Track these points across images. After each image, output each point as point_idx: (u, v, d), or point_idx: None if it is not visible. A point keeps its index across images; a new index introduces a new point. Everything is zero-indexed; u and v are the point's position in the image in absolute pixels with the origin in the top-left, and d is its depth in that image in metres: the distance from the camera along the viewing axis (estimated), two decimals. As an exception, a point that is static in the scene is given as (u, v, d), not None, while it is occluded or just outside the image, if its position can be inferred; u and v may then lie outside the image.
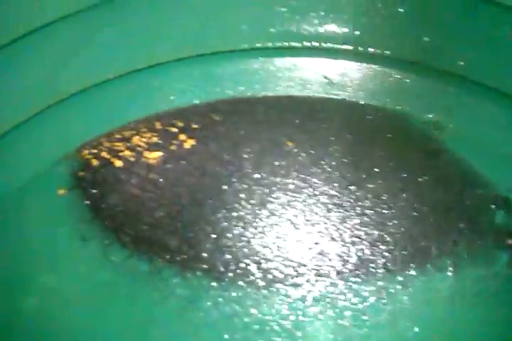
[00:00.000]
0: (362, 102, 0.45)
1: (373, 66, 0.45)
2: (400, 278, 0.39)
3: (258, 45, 0.46)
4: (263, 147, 0.44)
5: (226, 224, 0.42)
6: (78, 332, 0.39)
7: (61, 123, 0.45)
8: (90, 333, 0.39)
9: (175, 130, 0.46)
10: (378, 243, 0.41)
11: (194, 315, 0.39)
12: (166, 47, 0.46)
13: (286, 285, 0.40)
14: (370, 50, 0.45)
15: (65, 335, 0.39)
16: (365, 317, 0.38)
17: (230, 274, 0.40)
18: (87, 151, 0.46)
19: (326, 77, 0.46)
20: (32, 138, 0.45)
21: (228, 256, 0.41)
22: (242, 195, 0.43)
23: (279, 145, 0.44)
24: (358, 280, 0.39)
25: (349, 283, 0.39)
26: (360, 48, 0.45)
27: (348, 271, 0.40)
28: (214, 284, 0.40)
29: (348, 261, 0.40)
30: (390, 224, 0.41)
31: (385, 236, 0.41)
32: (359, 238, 0.41)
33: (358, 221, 0.42)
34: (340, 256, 0.40)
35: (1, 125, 0.45)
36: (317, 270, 0.40)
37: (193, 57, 0.46)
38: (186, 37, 0.45)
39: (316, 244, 0.41)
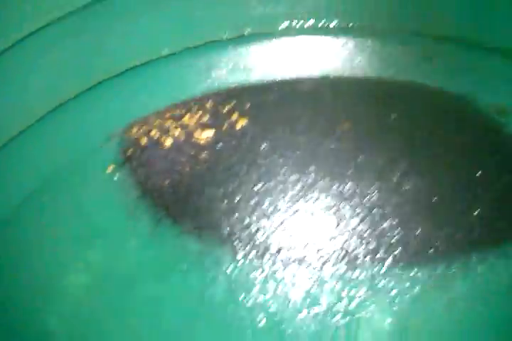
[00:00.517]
0: (421, 84, 0.43)
1: (436, 47, 0.43)
2: (459, 266, 0.38)
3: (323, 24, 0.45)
4: (318, 129, 0.43)
5: (279, 205, 0.41)
6: (127, 309, 0.38)
7: (112, 100, 0.45)
8: (139, 310, 0.38)
9: (227, 109, 0.45)
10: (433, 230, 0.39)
11: (246, 297, 0.38)
12: (222, 25, 0.45)
13: (336, 267, 0.39)
14: (436, 33, 0.43)
15: (113, 311, 0.38)
16: (419, 305, 0.38)
17: (284, 257, 0.39)
18: (136, 129, 0.45)
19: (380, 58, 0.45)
20: (82, 114, 0.45)
21: (282, 239, 0.40)
22: (294, 178, 0.42)
23: (335, 128, 0.43)
24: (414, 267, 0.38)
25: (408, 272, 0.38)
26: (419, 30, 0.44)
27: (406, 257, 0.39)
28: (266, 266, 0.39)
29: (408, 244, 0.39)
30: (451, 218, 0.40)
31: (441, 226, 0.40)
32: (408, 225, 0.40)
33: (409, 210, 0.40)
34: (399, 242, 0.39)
35: (51, 102, 0.44)
36: (374, 254, 0.39)
37: (249, 35, 0.45)
38: (243, 15, 0.44)
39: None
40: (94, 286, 0.39)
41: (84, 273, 0.40)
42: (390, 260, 0.39)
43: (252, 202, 0.41)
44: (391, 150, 0.42)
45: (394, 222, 0.40)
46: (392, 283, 0.38)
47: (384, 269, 0.38)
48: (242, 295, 0.38)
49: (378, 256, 0.39)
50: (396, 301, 0.38)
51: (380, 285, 0.38)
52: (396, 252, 0.39)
